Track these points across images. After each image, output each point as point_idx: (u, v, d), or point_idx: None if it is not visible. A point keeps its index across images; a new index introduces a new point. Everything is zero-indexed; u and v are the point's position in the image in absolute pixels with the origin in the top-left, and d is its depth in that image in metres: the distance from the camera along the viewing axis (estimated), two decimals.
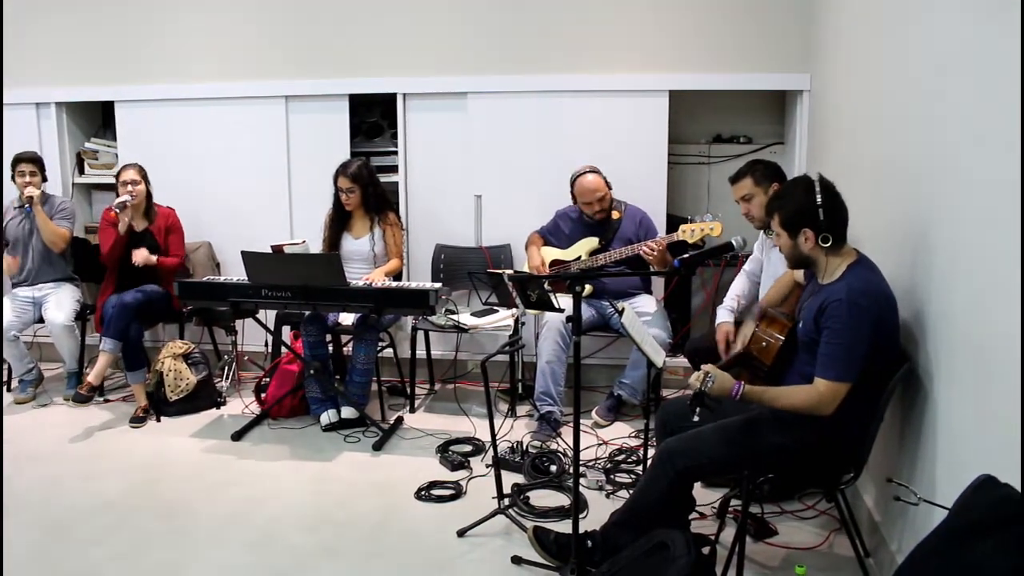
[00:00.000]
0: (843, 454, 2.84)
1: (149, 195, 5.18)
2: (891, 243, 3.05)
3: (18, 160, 5.19)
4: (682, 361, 4.86)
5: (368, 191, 4.93)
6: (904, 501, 2.74)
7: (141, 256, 5.00)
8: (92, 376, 4.86)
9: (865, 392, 2.73)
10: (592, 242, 4.77)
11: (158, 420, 4.88)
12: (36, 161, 5.24)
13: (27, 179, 5.14)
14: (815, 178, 2.79)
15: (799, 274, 3.17)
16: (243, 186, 5.63)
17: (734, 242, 3.67)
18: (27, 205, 5.15)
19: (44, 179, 5.28)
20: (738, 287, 4.12)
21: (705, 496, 3.53)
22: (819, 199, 2.74)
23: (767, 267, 3.97)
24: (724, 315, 3.97)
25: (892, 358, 2.78)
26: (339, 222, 5.04)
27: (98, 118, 6.12)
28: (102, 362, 4.87)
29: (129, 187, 5.01)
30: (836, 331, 2.67)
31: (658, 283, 5.12)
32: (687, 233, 4.39)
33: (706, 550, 2.93)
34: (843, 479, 2.91)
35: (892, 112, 3.20)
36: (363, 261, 4.95)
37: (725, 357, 3.88)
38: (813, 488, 3.46)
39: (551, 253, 4.90)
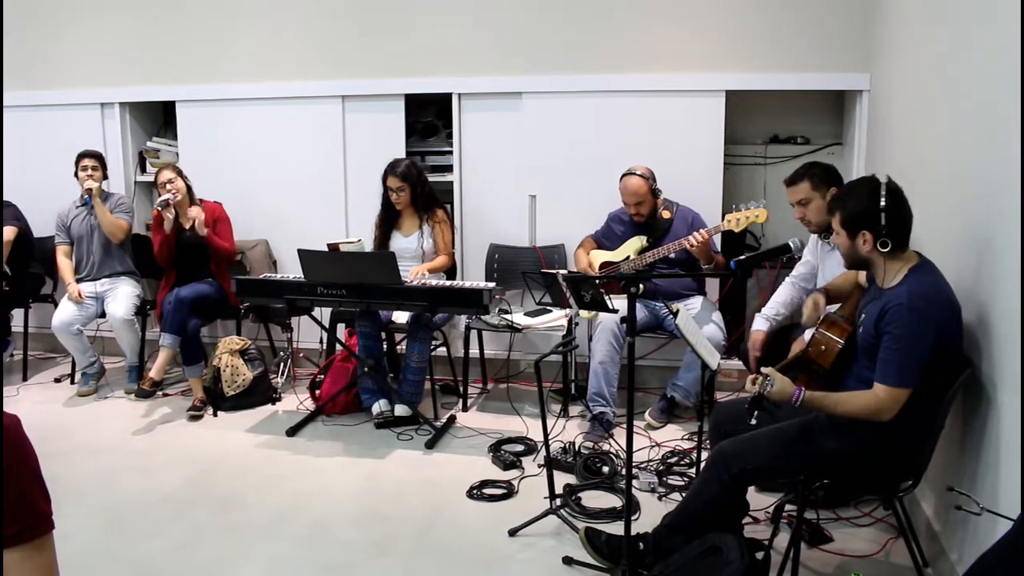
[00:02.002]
0: (902, 461, 2.78)
1: (190, 190, 5.26)
2: (954, 245, 2.99)
3: (81, 156, 5.34)
4: (736, 363, 4.81)
5: (417, 190, 4.95)
6: (965, 510, 2.68)
7: (195, 215, 5.10)
8: (154, 371, 4.96)
9: (926, 398, 2.67)
10: (640, 241, 4.73)
11: (215, 415, 4.96)
12: (98, 157, 5.40)
13: (88, 173, 5.29)
14: (883, 180, 2.73)
15: (863, 276, 3.11)
16: (300, 184, 5.70)
17: (791, 244, 3.62)
18: (87, 197, 5.28)
19: (105, 176, 5.42)
20: (782, 295, 4.03)
21: (759, 500, 3.49)
22: (883, 203, 2.68)
23: (822, 273, 3.89)
24: (759, 323, 3.88)
25: (954, 363, 2.72)
26: (388, 221, 5.08)
27: (160, 117, 6.24)
28: (162, 357, 4.97)
29: (168, 187, 5.10)
30: (897, 336, 2.62)
31: (712, 284, 5.07)
32: (732, 222, 4.31)
33: (759, 555, 2.91)
34: (901, 486, 2.85)
35: (956, 113, 3.13)
36: (412, 259, 4.99)
37: (754, 366, 3.84)
38: (870, 495, 3.42)
39: (600, 256, 4.88)
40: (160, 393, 5.24)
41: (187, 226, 5.19)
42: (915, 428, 2.72)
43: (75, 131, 5.84)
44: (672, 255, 4.55)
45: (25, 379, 5.67)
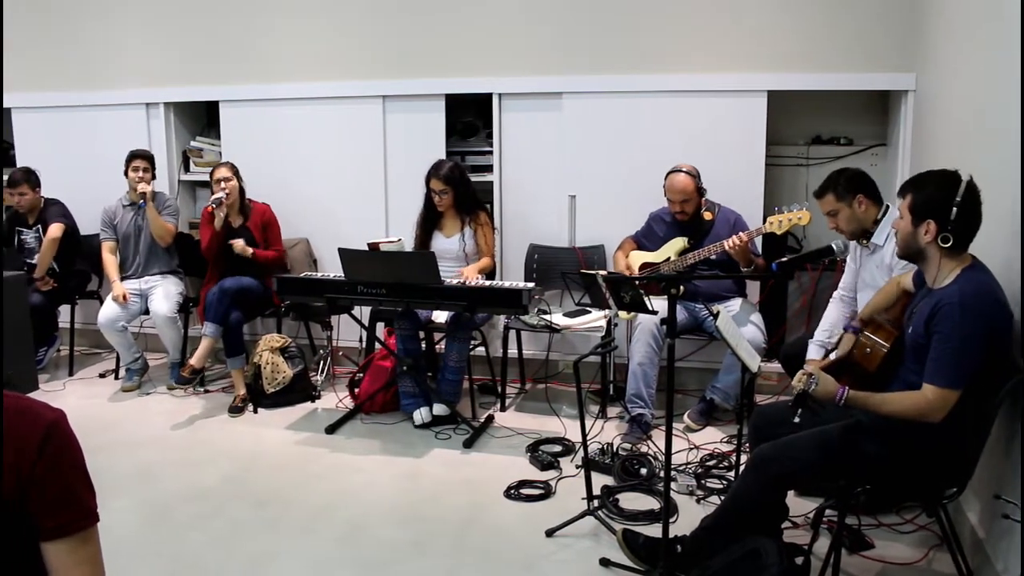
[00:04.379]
0: (946, 467, 2.74)
1: (242, 191, 5.33)
2: (1001, 253, 2.93)
3: (133, 156, 5.40)
4: (776, 366, 4.75)
5: (460, 192, 4.96)
6: (1012, 519, 2.63)
7: (239, 245, 5.17)
8: (194, 359, 5.02)
9: (972, 403, 2.62)
10: (680, 242, 4.69)
11: (255, 411, 5.01)
12: (149, 158, 5.46)
13: (140, 175, 5.35)
14: (964, 178, 2.67)
15: (907, 282, 3.06)
16: (341, 184, 5.74)
17: (834, 246, 3.57)
18: (141, 200, 5.35)
19: (153, 176, 5.48)
20: (832, 316, 3.90)
21: (799, 505, 3.44)
22: (959, 198, 2.62)
23: (861, 276, 3.83)
24: (813, 351, 3.77)
25: (1003, 369, 2.66)
26: (430, 221, 5.09)
27: (203, 117, 6.32)
28: (204, 346, 5.03)
29: (222, 184, 5.18)
30: (947, 335, 2.58)
31: (753, 286, 5.02)
32: (774, 224, 4.27)
33: (799, 560, 2.88)
34: (946, 493, 2.80)
35: (1006, 115, 3.06)
36: (454, 260, 4.99)
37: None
38: (913, 501, 3.36)
39: (640, 257, 4.85)
40: (201, 389, 5.32)
41: (236, 225, 5.27)
42: (961, 434, 2.67)
43: (121, 131, 5.93)
44: (713, 256, 4.52)
45: (71, 374, 5.77)
